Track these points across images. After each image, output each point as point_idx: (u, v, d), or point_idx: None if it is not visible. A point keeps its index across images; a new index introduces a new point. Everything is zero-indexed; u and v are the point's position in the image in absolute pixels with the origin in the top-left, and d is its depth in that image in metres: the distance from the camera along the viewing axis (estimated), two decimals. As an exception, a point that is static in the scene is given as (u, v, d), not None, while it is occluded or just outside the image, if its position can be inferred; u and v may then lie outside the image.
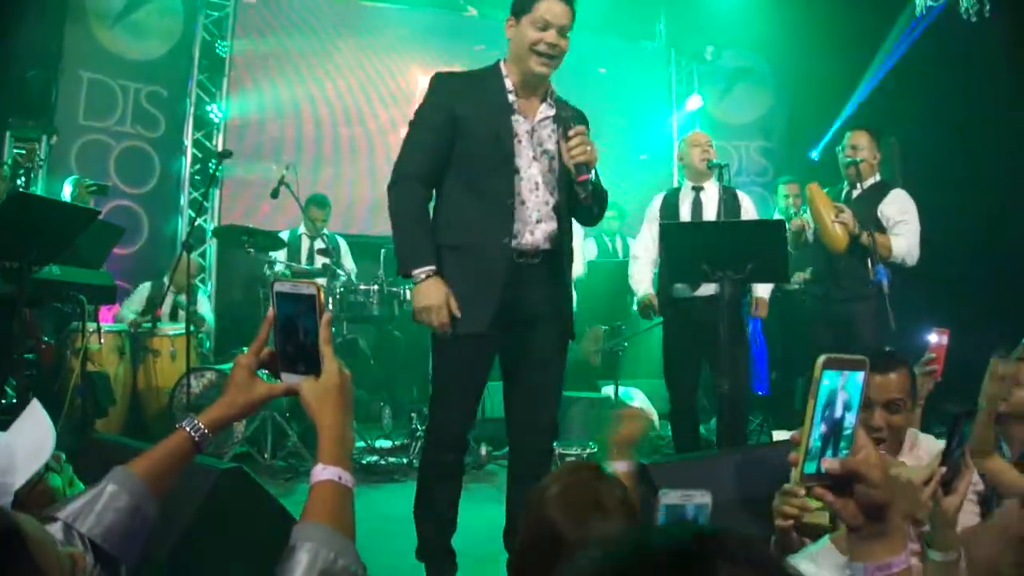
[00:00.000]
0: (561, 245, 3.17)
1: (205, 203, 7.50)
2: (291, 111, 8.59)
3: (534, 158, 3.11)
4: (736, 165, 9.10)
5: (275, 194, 6.01)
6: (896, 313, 4.47)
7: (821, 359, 1.13)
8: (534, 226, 3.09)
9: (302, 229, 6.72)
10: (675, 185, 6.50)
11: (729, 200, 4.97)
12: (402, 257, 3.07)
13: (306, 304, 1.50)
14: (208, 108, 8.37)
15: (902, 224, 4.96)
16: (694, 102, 9.65)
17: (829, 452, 1.17)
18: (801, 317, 5.24)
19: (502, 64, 3.19)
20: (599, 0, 8.85)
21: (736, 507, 2.75)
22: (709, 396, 5.38)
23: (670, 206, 5.19)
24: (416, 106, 3.22)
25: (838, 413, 1.16)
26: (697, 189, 5.14)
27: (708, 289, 4.71)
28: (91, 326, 5.10)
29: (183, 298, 6.32)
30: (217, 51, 8.47)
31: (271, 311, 1.55)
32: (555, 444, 5.37)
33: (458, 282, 3.02)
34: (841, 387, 1.15)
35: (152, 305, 6.40)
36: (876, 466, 1.16)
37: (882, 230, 4.89)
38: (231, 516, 2.48)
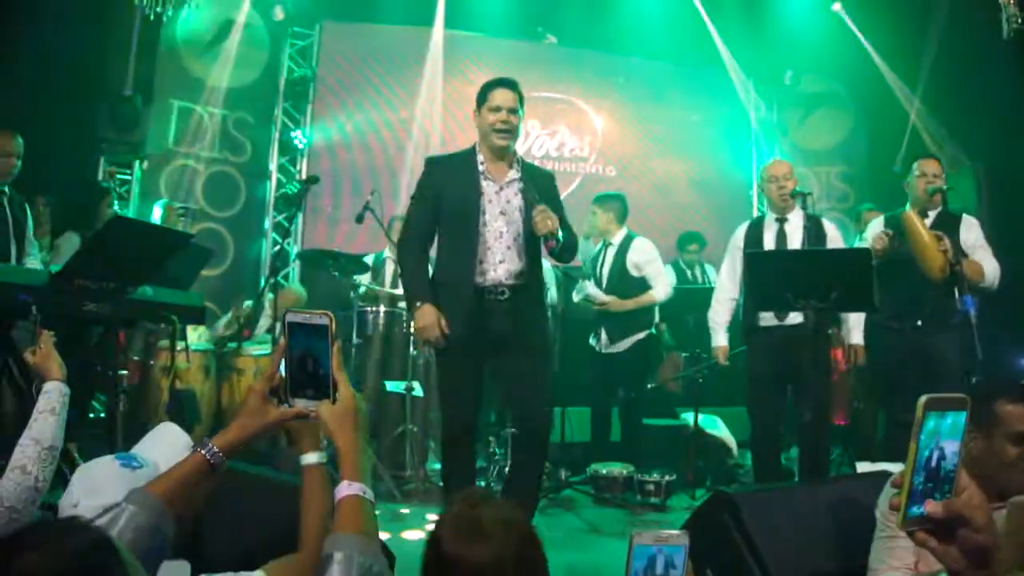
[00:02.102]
0: (526, 279, 3.90)
1: (289, 227, 7.66)
2: (372, 137, 8.77)
3: (501, 212, 3.87)
4: (817, 191, 8.97)
5: (360, 219, 6.11)
6: (982, 342, 4.36)
7: (923, 400, 1.09)
8: (497, 265, 3.84)
9: (387, 253, 6.77)
10: (756, 213, 6.43)
11: (813, 228, 4.88)
12: (408, 296, 4.03)
13: (319, 333, 1.59)
14: (292, 134, 8.60)
15: (982, 249, 4.88)
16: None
17: (937, 496, 1.13)
18: (880, 344, 5.11)
19: (478, 144, 3.98)
20: (677, 26, 8.88)
21: (818, 538, 2.71)
22: (789, 425, 5.27)
23: (754, 235, 5.15)
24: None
25: (941, 455, 1.12)
26: (781, 220, 5.09)
27: (795, 318, 4.69)
28: (179, 345, 5.24)
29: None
30: (301, 79, 8.71)
31: (282, 340, 1.64)
32: (633, 470, 5.41)
33: (444, 310, 3.80)
34: (943, 428, 1.11)
35: (241, 326, 6.53)
36: (979, 507, 1.12)
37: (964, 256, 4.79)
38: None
